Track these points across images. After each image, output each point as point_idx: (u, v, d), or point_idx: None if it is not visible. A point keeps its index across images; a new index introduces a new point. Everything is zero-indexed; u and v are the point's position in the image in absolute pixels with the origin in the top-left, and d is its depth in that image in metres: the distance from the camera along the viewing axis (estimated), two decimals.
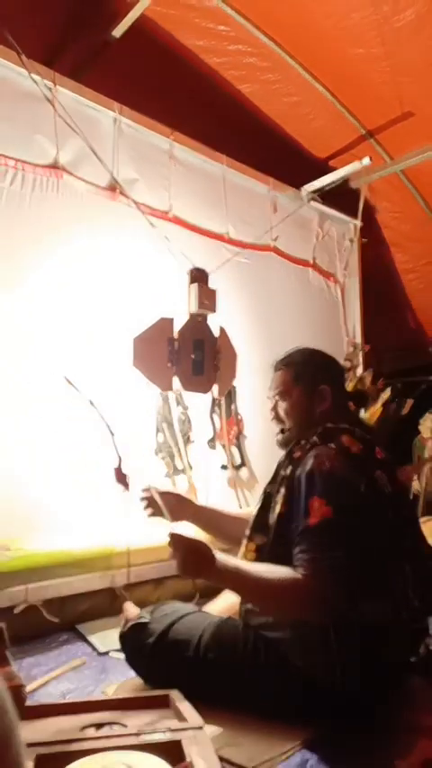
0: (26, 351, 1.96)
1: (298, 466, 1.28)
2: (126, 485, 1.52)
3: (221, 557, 1.20)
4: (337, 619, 1.17)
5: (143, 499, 1.57)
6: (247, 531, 1.38)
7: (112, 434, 1.49)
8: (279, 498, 1.30)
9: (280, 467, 1.37)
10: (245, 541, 1.37)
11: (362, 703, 1.19)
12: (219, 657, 1.28)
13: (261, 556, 1.31)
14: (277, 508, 1.30)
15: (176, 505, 1.54)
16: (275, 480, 1.36)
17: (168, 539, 1.21)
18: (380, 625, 1.20)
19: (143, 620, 1.37)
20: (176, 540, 1.20)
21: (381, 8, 2.31)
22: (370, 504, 1.23)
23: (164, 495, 1.51)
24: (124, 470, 1.52)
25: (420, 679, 1.37)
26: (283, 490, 1.30)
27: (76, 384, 1.55)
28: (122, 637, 1.41)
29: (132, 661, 1.39)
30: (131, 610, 1.47)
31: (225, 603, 1.59)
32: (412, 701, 1.31)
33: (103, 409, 1.52)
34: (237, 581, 1.22)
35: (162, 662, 1.32)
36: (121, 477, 1.52)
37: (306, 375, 1.48)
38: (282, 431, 1.50)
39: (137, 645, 1.36)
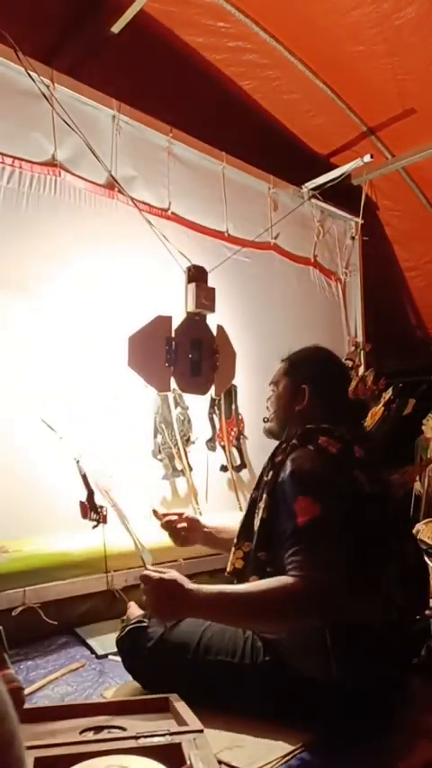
0: (26, 350, 1.95)
1: (279, 470, 1.28)
2: (99, 518, 1.52)
3: (198, 587, 1.18)
4: (332, 619, 1.16)
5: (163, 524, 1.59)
6: (235, 539, 1.38)
7: (78, 462, 1.50)
8: (262, 504, 1.31)
9: (263, 472, 1.37)
10: (233, 549, 1.37)
11: (362, 705, 1.18)
12: (218, 660, 1.27)
13: (248, 562, 1.32)
14: (260, 513, 1.30)
15: (187, 530, 1.58)
16: (259, 486, 1.37)
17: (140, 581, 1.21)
18: (369, 625, 1.19)
19: (142, 624, 1.37)
20: (146, 580, 1.19)
21: (381, 5, 2.30)
22: (349, 505, 1.22)
23: (174, 520, 1.55)
24: (97, 503, 1.53)
25: (421, 680, 1.36)
26: (265, 496, 1.30)
27: (51, 423, 1.60)
28: (120, 641, 1.40)
29: (130, 664, 1.38)
30: (134, 611, 1.46)
31: None
32: (413, 702, 1.30)
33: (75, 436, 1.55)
34: (223, 606, 1.17)
35: (161, 664, 1.31)
36: (92, 510, 1.51)
37: (294, 371, 1.52)
38: (265, 419, 1.55)
39: (135, 648, 1.35)
